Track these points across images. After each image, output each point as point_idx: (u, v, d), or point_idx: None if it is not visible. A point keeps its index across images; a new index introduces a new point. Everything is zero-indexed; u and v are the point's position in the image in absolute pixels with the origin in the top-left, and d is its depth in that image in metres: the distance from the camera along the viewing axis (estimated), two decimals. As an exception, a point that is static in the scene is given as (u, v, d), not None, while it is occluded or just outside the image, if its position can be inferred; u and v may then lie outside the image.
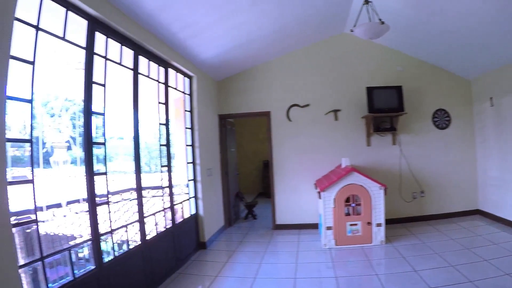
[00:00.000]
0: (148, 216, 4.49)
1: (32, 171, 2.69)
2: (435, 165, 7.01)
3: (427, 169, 7.00)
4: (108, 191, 3.61)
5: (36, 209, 2.70)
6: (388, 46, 6.99)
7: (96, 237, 3.35)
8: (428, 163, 6.99)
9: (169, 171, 5.15)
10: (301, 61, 7.17)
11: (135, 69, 4.27)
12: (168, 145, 5.15)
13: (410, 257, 4.93)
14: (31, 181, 2.71)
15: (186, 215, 5.68)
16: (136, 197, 4.22)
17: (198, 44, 5.23)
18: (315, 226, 6.88)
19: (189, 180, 5.87)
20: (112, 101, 4.06)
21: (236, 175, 8.43)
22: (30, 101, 2.73)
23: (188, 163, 5.87)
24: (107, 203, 3.60)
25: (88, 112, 3.38)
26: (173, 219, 5.10)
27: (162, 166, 4.96)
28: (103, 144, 3.63)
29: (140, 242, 4.18)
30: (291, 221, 7.14)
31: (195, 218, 5.90)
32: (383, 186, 5.53)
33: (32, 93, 2.73)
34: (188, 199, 5.78)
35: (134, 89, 4.25)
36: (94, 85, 3.49)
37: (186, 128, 5.87)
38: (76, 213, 3.09)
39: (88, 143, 3.37)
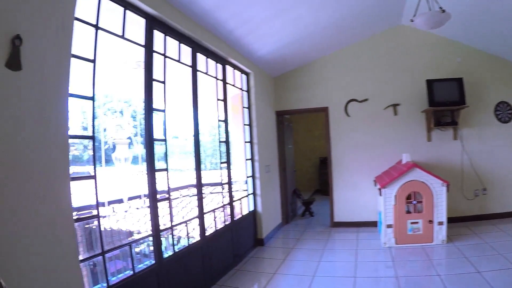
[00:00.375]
0: (208, 212, 4.41)
1: (94, 166, 2.68)
2: (498, 160, 6.30)
3: (490, 165, 6.31)
4: (168, 188, 3.57)
5: (98, 205, 2.68)
6: (446, 37, 6.37)
7: (156, 232, 3.31)
8: (490, 158, 6.30)
9: (228, 167, 5.04)
10: (358, 55, 6.76)
11: (194, 66, 4.19)
12: (227, 141, 5.04)
13: (473, 257, 4.47)
14: (93, 177, 2.70)
15: (245, 212, 5.55)
16: (195, 193, 4.16)
17: (254, 40, 5.05)
18: (373, 224, 6.46)
19: (247, 177, 5.73)
20: (171, 99, 4.04)
21: (293, 172, 8.17)
22: (92, 99, 2.72)
23: (246, 159, 5.73)
24: (168, 199, 3.56)
25: (149, 109, 3.35)
26: (232, 215, 4.99)
27: (221, 163, 4.86)
28: (164, 141, 3.59)
29: (199, 238, 4.11)
30: (349, 218, 6.77)
31: (253, 214, 5.75)
32: (445, 182, 5.10)
33: (94, 91, 2.71)
34: (246, 196, 5.65)
35: (193, 86, 4.17)
36: (154, 83, 3.46)
37: (245, 124, 5.73)
38: (137, 208, 3.07)
39: (149, 140, 3.34)
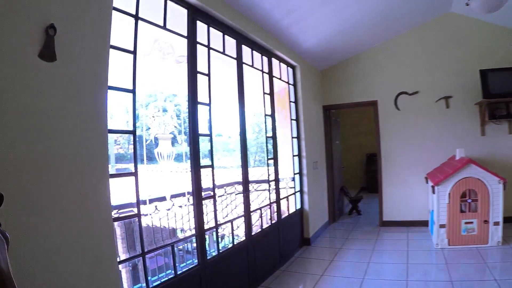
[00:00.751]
0: (254, 210, 4.17)
1: (135, 163, 2.51)
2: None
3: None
4: (214, 185, 3.37)
5: (139, 203, 2.52)
6: (499, 24, 5.64)
7: (200, 232, 3.11)
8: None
9: (275, 164, 4.76)
10: (407, 45, 6.21)
11: (239, 59, 3.95)
12: (274, 137, 4.76)
13: (531, 261, 3.94)
14: (134, 174, 2.54)
15: (291, 210, 5.25)
16: (241, 191, 3.93)
17: (300, 31, 4.71)
18: (424, 223, 5.91)
19: (295, 174, 5.42)
20: (216, 93, 3.84)
21: (341, 168, 7.71)
22: (133, 92, 2.55)
23: (294, 156, 5.41)
24: (213, 197, 3.35)
25: (193, 103, 3.15)
26: (278, 213, 4.71)
27: (268, 159, 4.59)
28: (209, 136, 3.39)
29: (244, 238, 3.88)
30: (399, 217, 6.25)
31: (300, 213, 5.43)
32: (502, 180, 4.60)
33: (134, 84, 2.55)
34: (293, 193, 5.34)
35: (238, 79, 3.93)
36: (198, 75, 3.26)
37: (292, 119, 5.41)
38: (180, 206, 2.89)
39: (194, 135, 3.14)
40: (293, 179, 5.36)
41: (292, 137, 5.40)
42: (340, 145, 7.90)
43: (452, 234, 4.74)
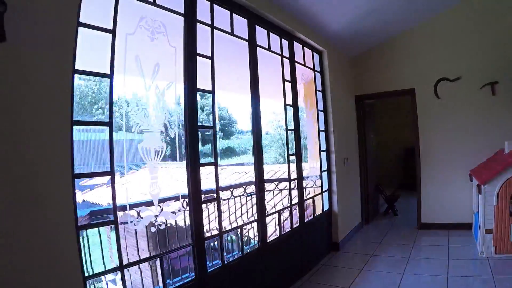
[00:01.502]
0: (270, 214, 3.58)
1: (112, 160, 2.03)
2: None
3: None
4: (217, 186, 2.82)
5: (116, 209, 2.03)
6: None
7: (199, 240, 2.57)
8: None
9: (298, 160, 4.10)
10: (448, 25, 5.27)
11: (251, 40, 3.35)
12: (297, 130, 4.11)
13: None
14: (110, 174, 2.06)
15: (318, 212, 4.57)
16: (254, 192, 3.36)
17: (325, 10, 4.00)
18: (467, 226, 5.09)
19: (322, 171, 4.72)
20: (223, 79, 3.28)
21: (375, 164, 6.84)
22: (110, 76, 2.10)
23: (321, 151, 4.72)
24: (215, 200, 2.80)
25: (191, 90, 2.62)
26: (302, 216, 4.06)
27: (289, 155, 3.95)
28: (211, 128, 2.84)
29: (258, 245, 3.29)
30: (439, 219, 5.38)
31: (327, 214, 4.74)
32: None
33: (112, 68, 2.08)
34: (320, 193, 4.65)
35: (251, 63, 3.33)
36: (198, 59, 2.71)
37: (319, 110, 4.72)
38: (173, 212, 2.39)
39: (192, 127, 2.61)
40: (320, 177, 4.67)
41: (319, 130, 4.72)
42: (375, 138, 7.05)
43: (500, 241, 3.95)
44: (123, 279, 2.02)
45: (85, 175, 1.92)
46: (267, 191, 4.16)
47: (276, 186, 4.81)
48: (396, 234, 5.34)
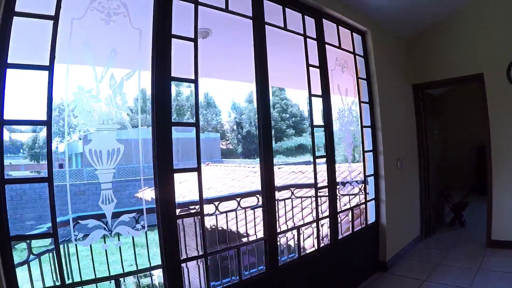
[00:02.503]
0: (284, 232, 2.79)
1: (50, 164, 1.54)
2: None
3: None
4: (201, 198, 2.14)
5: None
6: None
7: (169, 264, 1.92)
8: None
9: (330, 163, 3.21)
10: None
11: (258, 18, 2.58)
12: (328, 126, 3.21)
13: None
14: (48, 179, 1.55)
15: (360, 225, 3.61)
16: (260, 204, 2.59)
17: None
18: None
19: (366, 176, 3.72)
20: (216, 64, 2.57)
21: (440, 166, 5.45)
22: (49, 68, 1.57)
23: (364, 151, 3.73)
24: (198, 214, 2.12)
25: (162, 79, 1.99)
26: (334, 232, 3.16)
27: (316, 157, 3.08)
28: (194, 125, 2.17)
29: (265, 269, 2.52)
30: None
31: (373, 228, 3.71)
32: None
33: (53, 58, 1.55)
34: (363, 203, 3.67)
35: (257, 46, 2.57)
36: (175, 41, 2.06)
37: (361, 102, 3.74)
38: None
39: (161, 125, 1.98)
40: (363, 183, 3.69)
41: (363, 126, 3.73)
42: (440, 135, 5.66)
43: None
44: None
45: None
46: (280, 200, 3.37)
47: (292, 193, 3.92)
48: (460, 253, 4.06)
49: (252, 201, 2.94)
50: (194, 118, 2.13)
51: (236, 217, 3.42)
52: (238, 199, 3.04)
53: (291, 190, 3.70)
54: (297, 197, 3.98)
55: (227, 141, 25.73)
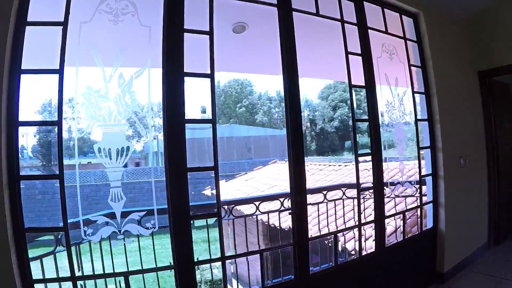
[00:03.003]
0: (317, 238, 2.47)
1: (61, 163, 1.51)
2: None
3: None
4: (219, 201, 1.96)
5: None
6: None
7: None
8: None
9: (376, 161, 2.79)
10: None
11: (283, 4, 2.31)
12: (373, 120, 2.80)
13: None
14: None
15: (414, 231, 3.12)
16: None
17: None
18: None
19: (422, 176, 3.19)
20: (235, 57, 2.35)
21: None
22: (59, 72, 1.51)
23: (419, 148, 3.20)
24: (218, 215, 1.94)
25: (173, 74, 1.85)
26: (380, 238, 2.74)
27: (357, 155, 2.70)
28: (211, 121, 1.99)
29: (294, 277, 2.25)
30: None
31: (430, 234, 3.17)
32: None
33: (62, 62, 1.50)
34: (418, 206, 3.16)
35: (283, 35, 2.30)
36: (188, 36, 1.91)
37: (415, 92, 3.22)
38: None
39: (173, 123, 1.85)
40: (418, 184, 3.16)
41: (417, 120, 3.21)
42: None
43: None
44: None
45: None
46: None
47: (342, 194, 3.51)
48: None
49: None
50: (211, 115, 1.96)
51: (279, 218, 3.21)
52: (282, 199, 2.86)
53: (342, 190, 3.34)
54: (334, 200, 3.59)
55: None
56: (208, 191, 9.67)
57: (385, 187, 2.85)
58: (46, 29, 1.67)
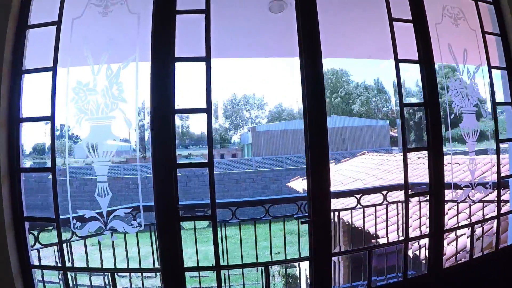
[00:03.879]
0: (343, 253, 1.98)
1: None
2: None
3: None
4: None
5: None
6: None
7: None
8: None
9: (434, 156, 2.14)
10: None
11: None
12: (431, 104, 2.13)
13: None
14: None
15: (484, 247, 2.31)
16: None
17: None
18: None
19: (503, 178, 2.34)
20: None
21: None
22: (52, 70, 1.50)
23: (500, 140, 2.36)
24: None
25: (162, 60, 1.66)
26: (436, 257, 2.08)
27: (405, 150, 2.10)
28: (206, 111, 1.76)
29: None
30: None
31: (509, 254, 2.32)
32: None
33: (56, 60, 1.49)
34: (495, 217, 2.31)
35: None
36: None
37: (493, 68, 2.38)
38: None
39: (161, 113, 1.65)
40: (494, 187, 2.32)
41: (495, 103, 2.37)
42: None
43: None
44: None
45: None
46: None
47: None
48: None
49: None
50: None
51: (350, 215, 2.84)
52: (359, 196, 2.63)
53: (382, 194, 2.73)
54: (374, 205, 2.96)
55: (396, 128, 23.28)
56: (295, 184, 9.09)
57: (449, 191, 2.16)
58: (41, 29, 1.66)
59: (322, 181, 1.83)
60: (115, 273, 1.70)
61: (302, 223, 1.77)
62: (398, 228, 2.86)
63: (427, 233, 2.09)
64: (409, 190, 2.46)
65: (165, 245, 1.63)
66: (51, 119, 1.61)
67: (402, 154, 2.08)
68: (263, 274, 1.86)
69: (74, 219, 1.60)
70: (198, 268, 1.82)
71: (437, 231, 2.08)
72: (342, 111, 26.03)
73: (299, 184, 8.41)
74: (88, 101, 1.62)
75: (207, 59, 1.69)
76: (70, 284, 1.69)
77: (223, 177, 16.98)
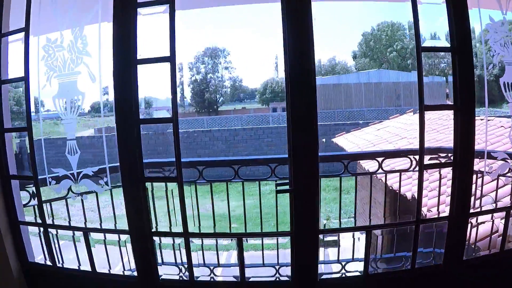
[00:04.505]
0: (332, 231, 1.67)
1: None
2: None
3: None
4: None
5: None
6: None
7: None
8: None
9: (462, 118, 1.61)
10: None
11: None
12: (461, 49, 1.62)
13: None
14: None
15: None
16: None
17: None
18: None
19: None
20: None
21: None
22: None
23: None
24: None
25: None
26: (456, 246, 1.63)
27: (426, 107, 1.67)
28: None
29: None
30: None
31: None
32: None
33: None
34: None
35: None
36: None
37: None
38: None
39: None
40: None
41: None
42: None
43: None
44: None
45: None
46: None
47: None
48: None
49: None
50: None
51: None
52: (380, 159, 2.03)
53: (411, 158, 2.13)
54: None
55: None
56: (340, 140, 8.29)
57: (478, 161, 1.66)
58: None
59: (307, 135, 1.49)
60: (88, 232, 1.67)
61: (278, 192, 1.49)
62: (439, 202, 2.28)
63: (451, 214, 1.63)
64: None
65: (132, 207, 1.53)
66: (25, 79, 1.59)
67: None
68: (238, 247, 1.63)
69: (50, 178, 1.60)
70: (166, 234, 1.68)
71: (461, 212, 1.61)
72: (398, 66, 23.88)
73: (343, 141, 7.78)
74: (56, 58, 1.57)
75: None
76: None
77: (272, 131, 15.37)
